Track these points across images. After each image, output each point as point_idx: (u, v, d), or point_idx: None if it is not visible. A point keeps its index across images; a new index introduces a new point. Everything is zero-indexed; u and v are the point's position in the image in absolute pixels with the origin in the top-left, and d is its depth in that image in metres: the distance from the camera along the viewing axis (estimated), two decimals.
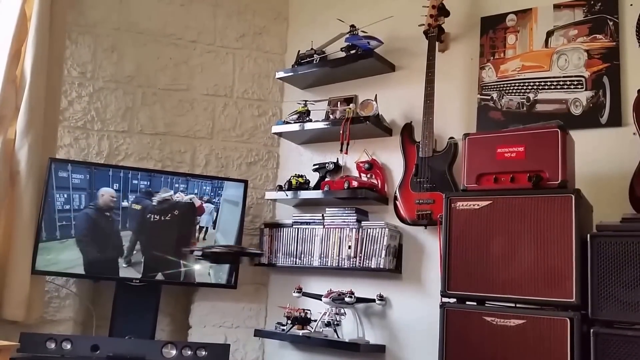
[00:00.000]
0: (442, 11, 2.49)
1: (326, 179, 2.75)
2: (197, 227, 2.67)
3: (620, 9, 2.21)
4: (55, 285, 2.65)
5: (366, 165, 2.64)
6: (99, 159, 2.81)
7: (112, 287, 2.61)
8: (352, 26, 2.71)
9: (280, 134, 2.95)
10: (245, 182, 2.77)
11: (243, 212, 2.72)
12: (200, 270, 2.65)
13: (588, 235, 1.72)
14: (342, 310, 2.49)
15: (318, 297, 2.52)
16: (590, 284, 1.69)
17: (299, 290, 2.61)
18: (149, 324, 2.58)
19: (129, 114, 2.90)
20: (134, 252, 2.58)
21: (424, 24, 2.51)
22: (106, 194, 2.58)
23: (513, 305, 1.84)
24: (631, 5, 2.19)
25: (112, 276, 2.57)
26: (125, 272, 2.57)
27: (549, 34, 2.36)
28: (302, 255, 2.67)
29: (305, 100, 2.85)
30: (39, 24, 2.53)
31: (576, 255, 1.72)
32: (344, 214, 2.59)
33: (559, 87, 2.30)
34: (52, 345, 2.32)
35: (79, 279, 2.66)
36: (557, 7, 2.35)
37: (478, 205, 1.93)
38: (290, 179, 2.79)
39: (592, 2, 2.27)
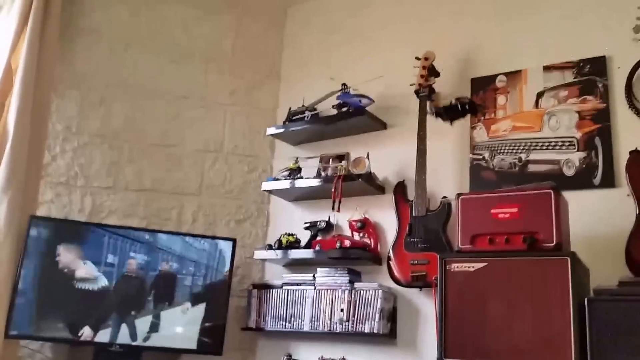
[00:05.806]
0: (433, 72, 2.52)
1: (318, 238, 2.68)
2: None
3: (609, 71, 2.24)
4: (29, 350, 2.50)
5: (359, 224, 2.58)
6: (81, 216, 2.72)
7: (90, 352, 2.47)
8: (344, 84, 2.72)
9: (270, 191, 2.89)
10: (234, 240, 2.69)
11: (231, 272, 2.63)
12: (184, 334, 2.52)
13: (585, 300, 1.69)
14: None
15: None
16: (589, 351, 1.65)
17: (289, 357, 2.49)
18: None
19: (114, 169, 2.83)
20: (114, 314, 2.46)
21: (414, 84, 2.52)
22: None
23: None
24: (619, 67, 2.22)
25: (90, 340, 2.43)
26: (104, 336, 2.43)
27: (539, 95, 2.38)
28: (292, 319, 2.55)
29: (297, 157, 2.82)
30: (24, 78, 2.50)
31: (574, 320, 1.68)
32: (336, 275, 2.51)
33: (550, 147, 2.30)
34: None
35: (55, 343, 2.51)
36: (547, 68, 2.38)
37: (473, 267, 1.89)
38: (280, 237, 2.71)
39: (581, 65, 2.30)
